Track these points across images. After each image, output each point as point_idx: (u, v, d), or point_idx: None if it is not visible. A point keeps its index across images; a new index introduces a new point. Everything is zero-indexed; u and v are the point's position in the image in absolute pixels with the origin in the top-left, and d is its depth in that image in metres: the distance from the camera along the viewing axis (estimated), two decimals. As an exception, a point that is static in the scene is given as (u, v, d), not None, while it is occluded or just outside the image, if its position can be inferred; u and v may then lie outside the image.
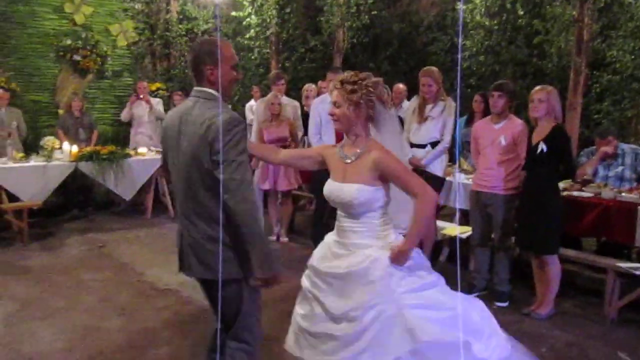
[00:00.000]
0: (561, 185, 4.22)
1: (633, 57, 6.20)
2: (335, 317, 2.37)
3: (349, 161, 2.47)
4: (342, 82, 2.43)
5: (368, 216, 2.45)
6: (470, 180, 4.92)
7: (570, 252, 4.41)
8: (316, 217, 5.80)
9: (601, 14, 6.51)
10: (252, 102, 8.37)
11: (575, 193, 4.50)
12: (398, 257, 2.37)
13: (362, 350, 2.27)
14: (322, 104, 5.64)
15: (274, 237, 6.25)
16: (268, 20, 9.22)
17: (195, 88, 2.35)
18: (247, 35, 9.35)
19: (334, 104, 2.46)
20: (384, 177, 2.41)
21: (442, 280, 2.51)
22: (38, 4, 8.17)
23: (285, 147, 5.46)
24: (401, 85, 6.92)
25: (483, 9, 7.50)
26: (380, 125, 2.51)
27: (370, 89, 2.41)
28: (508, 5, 7.31)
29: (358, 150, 2.46)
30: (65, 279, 4.97)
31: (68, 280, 4.95)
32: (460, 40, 7.95)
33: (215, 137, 2.12)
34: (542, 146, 3.86)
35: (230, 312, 2.36)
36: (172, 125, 2.37)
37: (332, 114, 2.48)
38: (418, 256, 2.49)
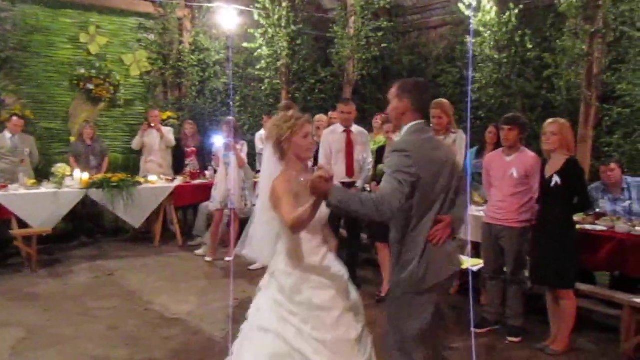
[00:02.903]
0: (575, 218, 4.18)
1: (643, 90, 6.23)
2: None
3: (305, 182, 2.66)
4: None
5: None
6: (482, 212, 4.88)
7: (585, 287, 4.34)
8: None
9: (611, 47, 6.55)
10: (262, 132, 8.42)
11: (589, 226, 4.46)
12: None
13: None
14: (332, 134, 5.70)
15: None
16: (279, 51, 9.33)
17: (425, 122, 2.68)
18: (258, 67, 9.45)
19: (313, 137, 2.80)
20: None
21: None
22: (54, 34, 8.34)
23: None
24: None
25: (492, 43, 7.56)
26: None
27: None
28: (517, 39, 7.37)
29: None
30: (73, 307, 4.94)
31: (76, 308, 4.92)
32: (470, 73, 7.99)
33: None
34: (557, 179, 3.84)
35: None
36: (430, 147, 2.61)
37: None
38: None
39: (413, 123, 2.60)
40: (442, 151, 2.64)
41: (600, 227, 4.45)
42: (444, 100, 4.94)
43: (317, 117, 7.53)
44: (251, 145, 8.28)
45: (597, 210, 4.81)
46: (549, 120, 4.01)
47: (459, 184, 2.66)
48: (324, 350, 2.48)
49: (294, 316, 2.53)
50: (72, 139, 8.20)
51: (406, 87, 2.63)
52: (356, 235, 5.76)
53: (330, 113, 7.57)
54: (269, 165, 2.76)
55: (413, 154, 2.45)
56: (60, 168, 6.79)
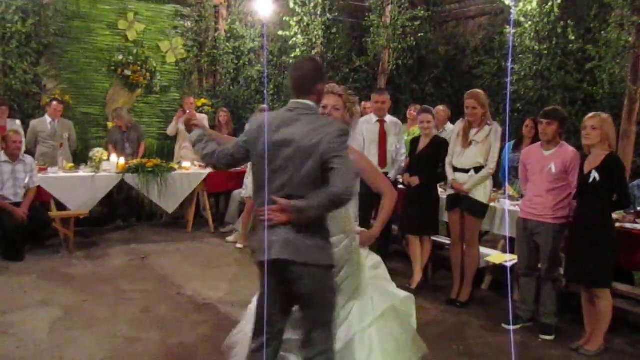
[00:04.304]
0: (613, 216, 4.05)
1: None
2: None
3: None
4: (343, 94, 2.92)
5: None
6: (516, 207, 4.79)
7: (622, 287, 4.22)
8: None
9: (657, 40, 6.32)
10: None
11: (628, 225, 4.31)
12: (369, 239, 3.01)
13: None
14: (366, 124, 5.65)
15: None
16: (314, 40, 9.30)
17: (297, 101, 2.55)
18: (293, 55, 9.43)
19: (334, 107, 2.87)
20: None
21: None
22: (93, 21, 8.48)
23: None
24: (441, 107, 6.79)
25: (533, 34, 7.37)
26: None
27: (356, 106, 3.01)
28: (559, 30, 7.16)
29: None
30: (107, 289, 5.06)
31: (110, 290, 5.04)
32: (509, 64, 7.82)
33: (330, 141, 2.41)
34: (595, 175, 3.73)
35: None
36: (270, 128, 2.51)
37: (330, 114, 2.83)
38: None
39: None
40: (293, 131, 2.45)
41: (640, 225, 4.31)
42: (479, 91, 4.83)
43: (351, 106, 7.50)
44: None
45: (639, 208, 4.66)
46: (590, 115, 3.89)
47: (323, 175, 2.40)
48: None
49: None
50: (110, 124, 8.36)
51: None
52: (387, 227, 5.72)
53: (363, 103, 7.51)
54: None
55: (250, 126, 2.65)
56: (97, 152, 6.94)
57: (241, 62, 9.47)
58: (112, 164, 6.93)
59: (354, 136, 3.00)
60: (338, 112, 2.89)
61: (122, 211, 7.85)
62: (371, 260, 3.03)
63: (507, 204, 5.02)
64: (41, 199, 6.33)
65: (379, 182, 3.05)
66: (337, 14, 9.43)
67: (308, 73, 2.57)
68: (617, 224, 4.18)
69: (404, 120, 6.86)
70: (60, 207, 6.48)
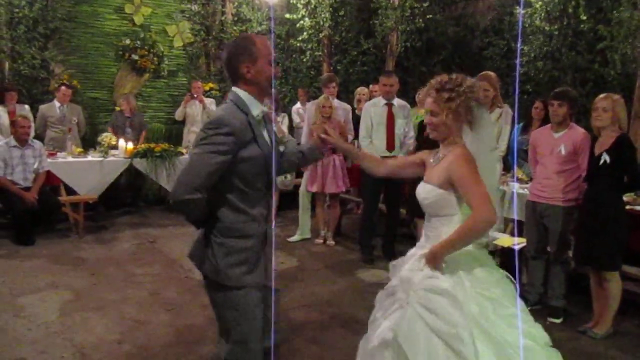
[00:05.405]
0: (624, 198, 4.01)
1: None
2: None
3: (434, 163, 2.43)
4: (437, 90, 2.33)
5: (437, 221, 2.38)
6: (526, 189, 4.76)
7: (632, 269, 4.19)
8: (363, 221, 5.75)
9: (671, 19, 6.20)
10: (297, 105, 8.35)
11: (639, 207, 4.28)
12: (430, 258, 2.29)
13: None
14: (374, 107, 5.62)
15: (320, 240, 6.23)
16: (321, 22, 9.22)
17: (232, 89, 2.31)
18: (300, 38, 9.38)
19: (430, 112, 2.36)
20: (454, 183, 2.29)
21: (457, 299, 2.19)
22: (100, 5, 8.45)
23: (334, 150, 5.46)
24: None
25: (543, 14, 7.25)
26: (477, 126, 2.39)
27: (468, 94, 2.32)
28: (570, 10, 7.04)
29: (441, 154, 2.40)
30: (117, 272, 5.10)
31: (120, 273, 5.08)
32: (519, 45, 7.72)
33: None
34: (606, 157, 3.69)
35: None
36: None
37: (429, 123, 2.38)
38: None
39: None
40: None
41: (651, 208, 4.26)
42: (491, 73, 4.79)
43: (359, 89, 7.46)
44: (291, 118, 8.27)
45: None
46: (601, 96, 3.83)
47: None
48: None
49: None
50: (118, 108, 8.37)
51: None
52: (395, 210, 5.72)
53: (371, 86, 7.46)
54: None
55: None
56: (105, 137, 6.97)
57: (248, 45, 9.40)
58: (120, 148, 6.95)
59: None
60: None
61: (131, 195, 7.88)
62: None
63: (515, 187, 4.99)
64: (51, 184, 6.37)
65: (471, 196, 2.22)
66: (344, -5, 9.33)
67: (228, 56, 2.29)
68: (628, 206, 4.14)
69: (412, 103, 6.81)
70: (70, 191, 6.52)
